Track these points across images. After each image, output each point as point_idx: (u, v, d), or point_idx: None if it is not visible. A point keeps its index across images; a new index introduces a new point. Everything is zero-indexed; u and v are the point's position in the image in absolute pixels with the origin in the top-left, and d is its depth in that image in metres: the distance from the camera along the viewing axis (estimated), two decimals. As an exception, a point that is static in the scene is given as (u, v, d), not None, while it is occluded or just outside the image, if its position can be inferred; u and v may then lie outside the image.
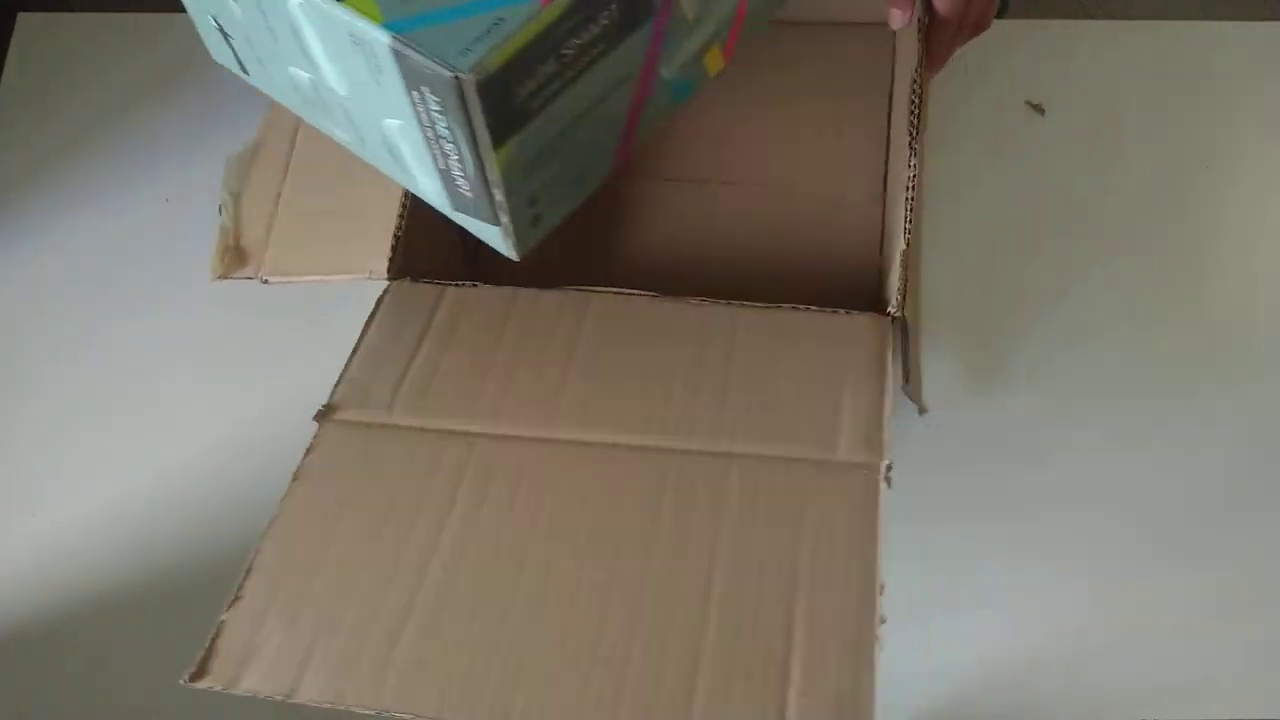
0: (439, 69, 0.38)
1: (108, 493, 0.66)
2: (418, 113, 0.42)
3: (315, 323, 0.70)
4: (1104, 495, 0.67)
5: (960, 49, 0.63)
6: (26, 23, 0.79)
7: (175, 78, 0.77)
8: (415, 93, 0.41)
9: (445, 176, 0.45)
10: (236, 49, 0.52)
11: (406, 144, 0.45)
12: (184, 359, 0.70)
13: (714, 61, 0.50)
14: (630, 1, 0.43)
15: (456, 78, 0.38)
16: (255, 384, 0.69)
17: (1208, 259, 0.73)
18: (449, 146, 0.42)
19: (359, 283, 0.60)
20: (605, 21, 0.42)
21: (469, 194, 0.45)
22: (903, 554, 0.65)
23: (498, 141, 0.41)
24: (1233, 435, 0.68)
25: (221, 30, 0.51)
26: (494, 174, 0.43)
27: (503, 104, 0.40)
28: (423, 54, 0.38)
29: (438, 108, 0.40)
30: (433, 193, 0.48)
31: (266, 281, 0.62)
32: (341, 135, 0.51)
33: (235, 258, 0.63)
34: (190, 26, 0.79)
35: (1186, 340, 0.70)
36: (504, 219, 0.45)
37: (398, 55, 0.39)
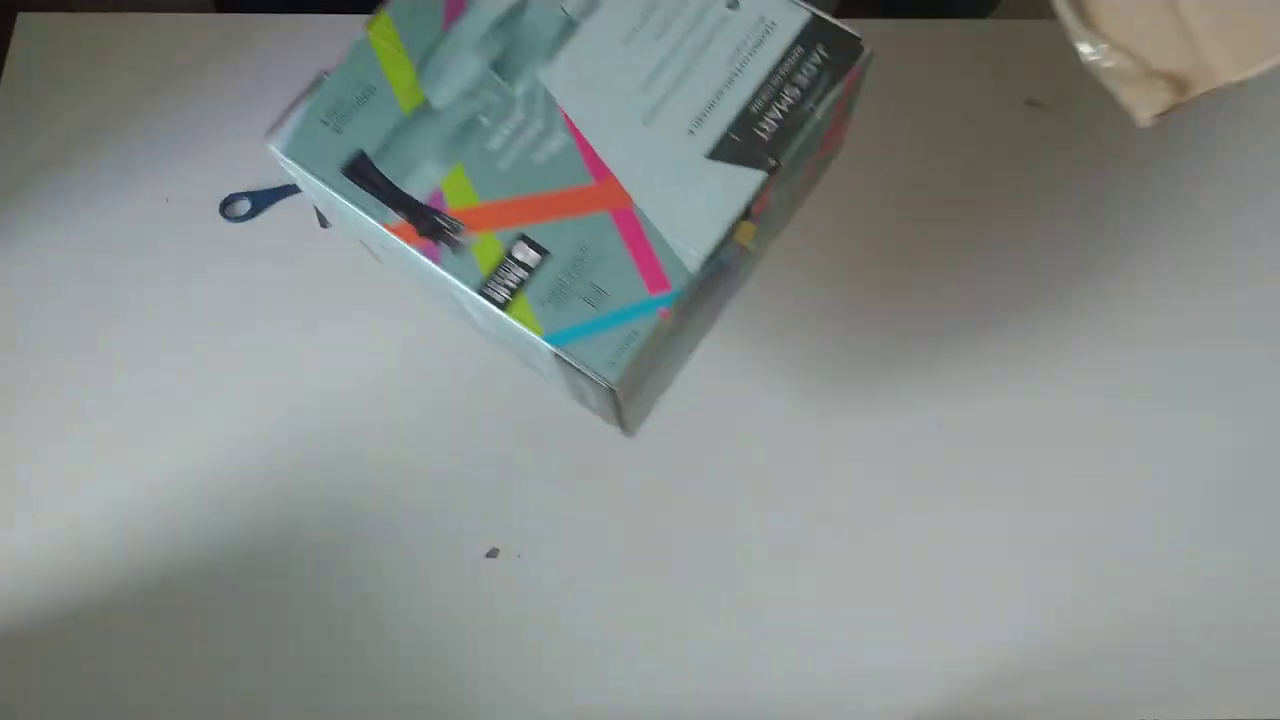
0: (595, 378, 0.48)
1: (107, 493, 0.66)
2: (565, 373, 0.51)
3: (311, 326, 0.71)
4: (1105, 497, 0.67)
5: None
6: (26, 23, 0.79)
7: (175, 78, 0.77)
8: (568, 371, 0.50)
9: (579, 396, 0.54)
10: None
11: (547, 370, 0.53)
12: (182, 360, 0.70)
13: (745, 235, 0.54)
14: (714, 277, 0.51)
15: (610, 388, 0.48)
16: (254, 385, 0.69)
17: (1207, 257, 0.73)
18: (587, 391, 0.52)
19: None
20: (701, 301, 0.52)
21: (599, 411, 0.54)
22: (904, 554, 0.66)
23: (627, 402, 0.51)
24: (1234, 437, 0.68)
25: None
26: (624, 414, 0.52)
27: (635, 386, 0.50)
28: (581, 365, 0.48)
29: (589, 387, 0.50)
30: (539, 371, 0.55)
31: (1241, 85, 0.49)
32: (454, 318, 0.57)
33: (1163, 86, 0.50)
34: (190, 26, 0.79)
35: (1185, 337, 0.71)
36: (621, 427, 0.55)
37: (559, 360, 0.49)
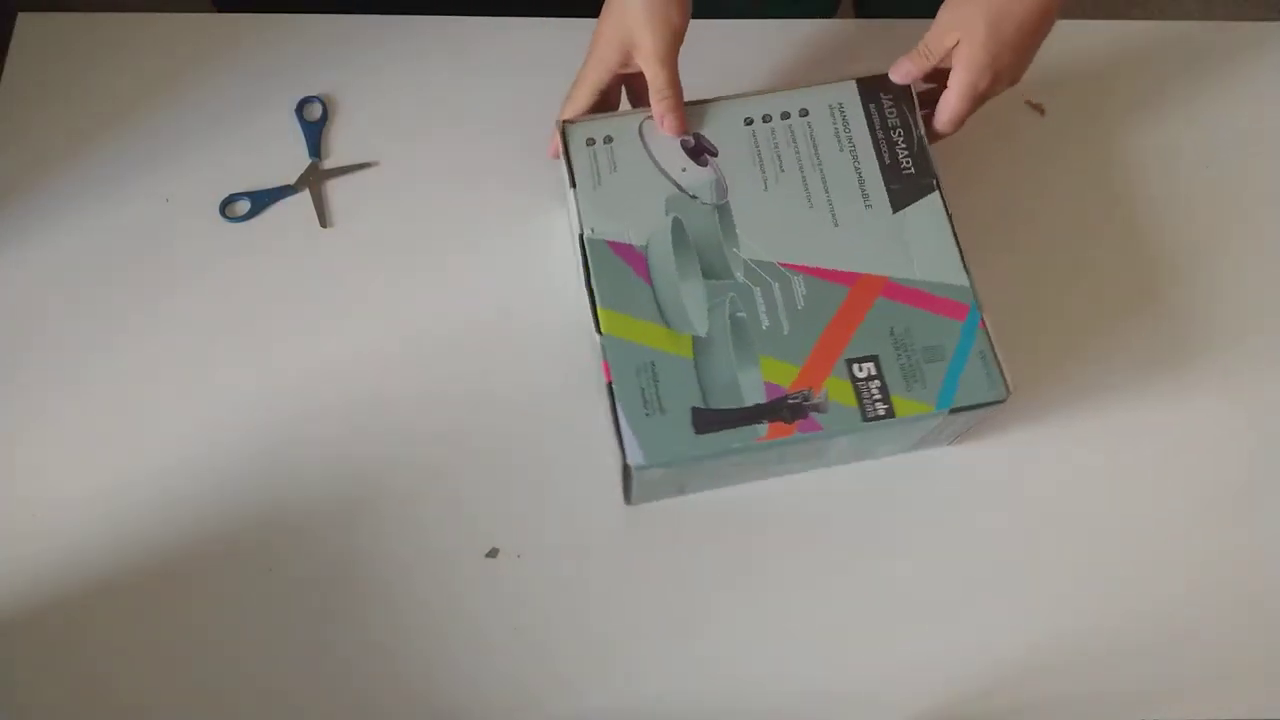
0: (993, 400, 0.57)
1: (107, 491, 0.66)
2: (937, 425, 0.59)
3: (311, 325, 0.71)
4: (1105, 499, 0.67)
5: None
6: (26, 23, 0.79)
7: (175, 78, 0.77)
8: (951, 417, 0.58)
9: (923, 441, 0.64)
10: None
11: (888, 445, 0.64)
12: (182, 359, 0.70)
13: None
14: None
15: (1005, 397, 0.57)
16: (254, 384, 0.69)
17: (1208, 257, 0.73)
18: (955, 429, 0.62)
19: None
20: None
21: (941, 438, 0.64)
22: (905, 555, 0.66)
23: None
24: (1233, 439, 0.68)
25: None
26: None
27: None
28: (977, 401, 0.57)
29: (966, 421, 0.60)
30: (889, 451, 0.66)
31: None
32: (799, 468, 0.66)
33: None
34: (190, 26, 0.79)
35: (1181, 339, 0.70)
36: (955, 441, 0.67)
37: (955, 412, 0.57)
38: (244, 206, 0.73)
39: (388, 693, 0.63)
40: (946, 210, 0.60)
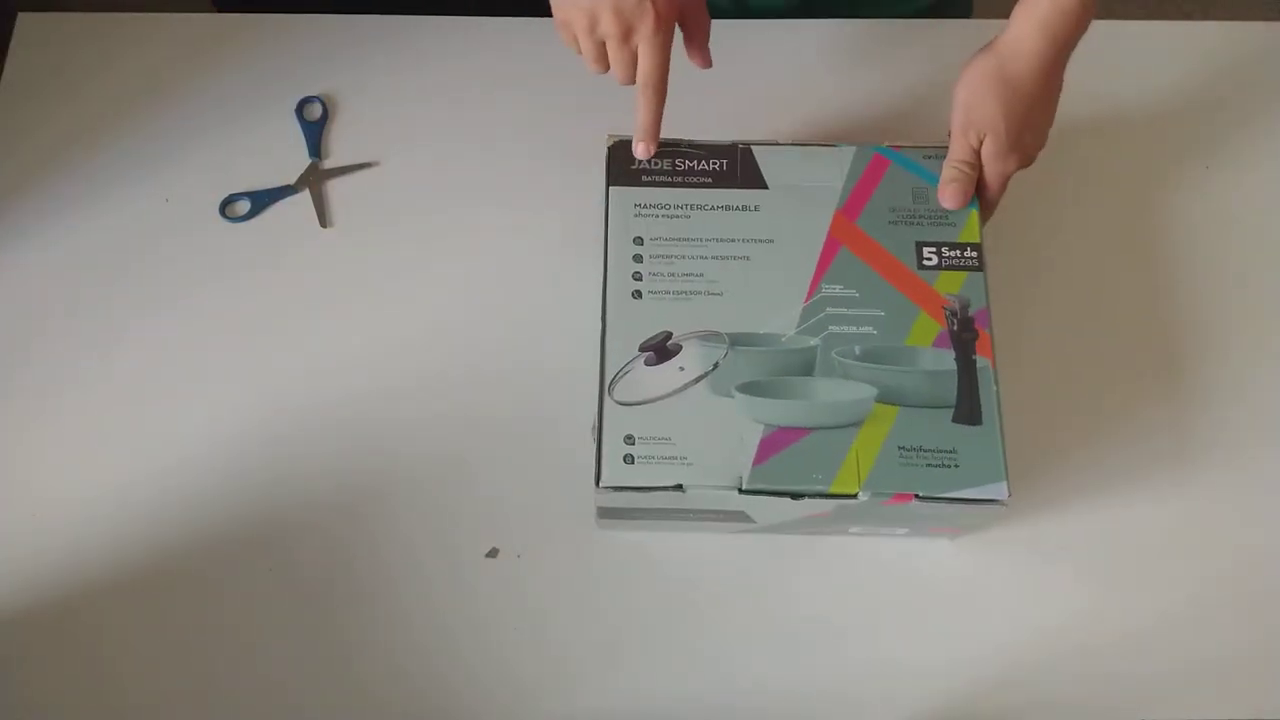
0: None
1: (107, 489, 0.66)
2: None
3: (311, 326, 0.71)
4: (1106, 499, 0.67)
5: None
6: (26, 23, 0.79)
7: (175, 78, 0.77)
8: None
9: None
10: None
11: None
12: (183, 359, 0.70)
13: None
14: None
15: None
16: (254, 384, 0.69)
17: (1207, 257, 0.73)
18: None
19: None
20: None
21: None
22: (905, 556, 0.66)
23: None
24: (1234, 436, 0.68)
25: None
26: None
27: None
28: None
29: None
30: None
31: None
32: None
33: None
34: (190, 26, 0.79)
35: (1174, 337, 0.70)
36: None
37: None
38: (244, 206, 0.73)
39: (388, 692, 0.63)
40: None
